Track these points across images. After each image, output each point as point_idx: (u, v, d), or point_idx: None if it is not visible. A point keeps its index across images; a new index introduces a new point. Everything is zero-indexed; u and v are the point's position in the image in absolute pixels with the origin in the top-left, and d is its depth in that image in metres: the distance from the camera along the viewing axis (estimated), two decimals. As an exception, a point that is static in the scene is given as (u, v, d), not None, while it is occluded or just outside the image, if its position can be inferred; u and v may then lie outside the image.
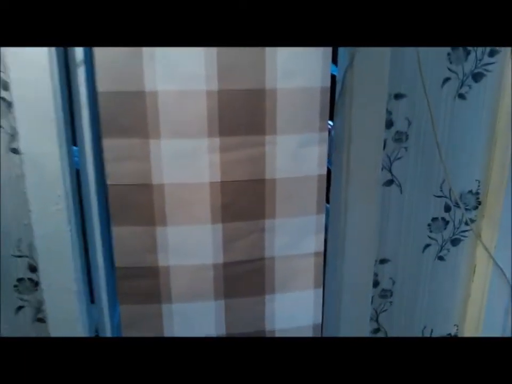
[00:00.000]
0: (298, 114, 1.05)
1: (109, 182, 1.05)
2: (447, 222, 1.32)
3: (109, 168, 1.05)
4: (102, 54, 0.98)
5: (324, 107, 1.05)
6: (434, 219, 1.32)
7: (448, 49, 1.19)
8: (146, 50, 0.99)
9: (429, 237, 1.33)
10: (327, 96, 1.05)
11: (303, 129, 1.06)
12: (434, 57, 1.19)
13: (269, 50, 1.01)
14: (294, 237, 1.11)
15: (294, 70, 1.02)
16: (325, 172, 1.09)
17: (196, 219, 1.07)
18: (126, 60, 0.99)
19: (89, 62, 1.06)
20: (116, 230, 1.07)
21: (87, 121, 1.10)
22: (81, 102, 1.09)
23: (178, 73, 1.01)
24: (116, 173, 1.05)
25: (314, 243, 1.12)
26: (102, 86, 1.00)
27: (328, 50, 1.03)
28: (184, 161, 1.05)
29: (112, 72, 0.99)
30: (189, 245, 1.08)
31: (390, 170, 1.27)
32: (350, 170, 1.19)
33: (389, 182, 1.27)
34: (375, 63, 1.14)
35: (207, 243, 1.08)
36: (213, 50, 1.00)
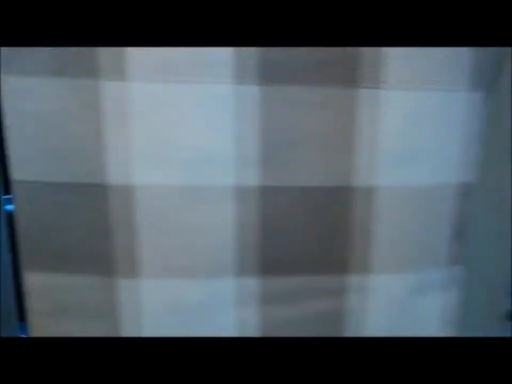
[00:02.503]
0: (412, 236, 0.52)
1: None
2: None
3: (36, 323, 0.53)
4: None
5: (463, 220, 0.53)
6: None
7: None
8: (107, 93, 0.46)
9: None
10: (467, 200, 0.53)
11: (420, 262, 0.54)
12: None
13: (361, 109, 0.48)
14: None
15: (409, 149, 0.50)
16: (454, 334, 0.57)
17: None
18: (62, 115, 0.46)
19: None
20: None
21: None
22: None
23: (179, 155, 0.48)
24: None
25: None
26: (18, 170, 0.48)
27: (476, 108, 0.50)
28: (189, 322, 0.53)
29: (36, 139, 0.47)
30: None
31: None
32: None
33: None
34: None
35: None
36: (252, 107, 0.47)
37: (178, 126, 0.47)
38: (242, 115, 0.47)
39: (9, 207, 0.64)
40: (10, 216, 0.64)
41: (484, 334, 0.63)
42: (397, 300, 0.54)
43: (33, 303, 0.52)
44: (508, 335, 0.62)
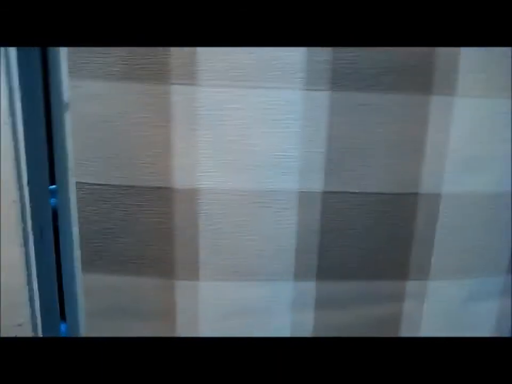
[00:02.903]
0: (473, 243, 0.53)
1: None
2: None
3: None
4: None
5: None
6: None
7: None
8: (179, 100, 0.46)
9: None
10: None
11: (478, 269, 0.54)
12: None
13: (433, 116, 0.48)
14: None
15: (478, 160, 0.50)
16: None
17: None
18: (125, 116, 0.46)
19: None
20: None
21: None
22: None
23: (244, 159, 0.48)
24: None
25: None
26: (82, 172, 0.48)
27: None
28: (245, 324, 0.53)
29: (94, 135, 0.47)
30: None
31: None
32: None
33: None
34: None
35: None
36: (321, 113, 0.47)
37: (245, 130, 0.47)
38: (310, 121, 0.47)
39: (52, 201, 0.63)
40: (53, 212, 0.64)
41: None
42: (454, 306, 0.54)
43: (90, 304, 0.52)
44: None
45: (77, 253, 0.66)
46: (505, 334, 0.57)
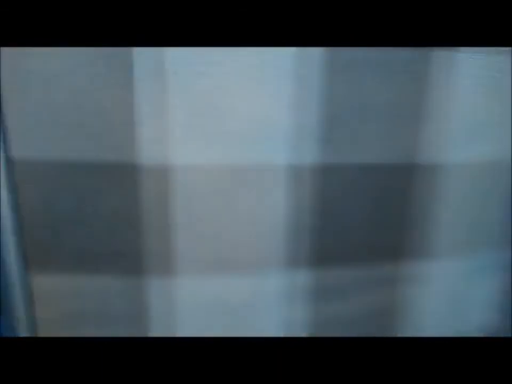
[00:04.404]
0: (473, 217, 0.48)
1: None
2: None
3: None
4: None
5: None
6: None
7: None
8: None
9: None
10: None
11: (478, 245, 0.49)
12: None
13: (435, 74, 0.42)
14: None
15: (484, 126, 0.45)
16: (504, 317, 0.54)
17: None
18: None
19: None
20: None
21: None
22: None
23: (225, 128, 0.40)
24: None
25: None
26: (20, 145, 0.38)
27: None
28: (229, 324, 0.46)
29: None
30: None
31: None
32: None
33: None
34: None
35: None
36: (313, 70, 0.40)
37: (224, 93, 0.39)
38: (301, 81, 0.40)
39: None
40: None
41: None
42: (453, 285, 0.49)
43: (42, 311, 0.42)
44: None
45: (10, 243, 0.56)
46: (507, 310, 0.53)
